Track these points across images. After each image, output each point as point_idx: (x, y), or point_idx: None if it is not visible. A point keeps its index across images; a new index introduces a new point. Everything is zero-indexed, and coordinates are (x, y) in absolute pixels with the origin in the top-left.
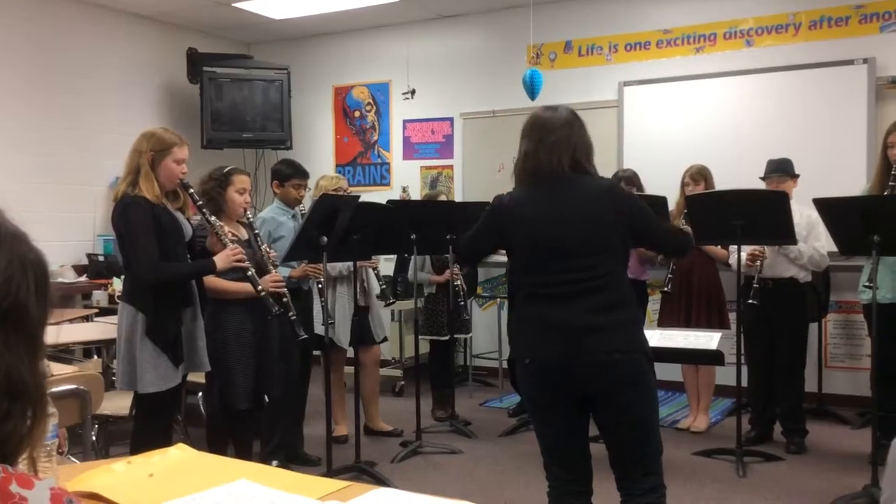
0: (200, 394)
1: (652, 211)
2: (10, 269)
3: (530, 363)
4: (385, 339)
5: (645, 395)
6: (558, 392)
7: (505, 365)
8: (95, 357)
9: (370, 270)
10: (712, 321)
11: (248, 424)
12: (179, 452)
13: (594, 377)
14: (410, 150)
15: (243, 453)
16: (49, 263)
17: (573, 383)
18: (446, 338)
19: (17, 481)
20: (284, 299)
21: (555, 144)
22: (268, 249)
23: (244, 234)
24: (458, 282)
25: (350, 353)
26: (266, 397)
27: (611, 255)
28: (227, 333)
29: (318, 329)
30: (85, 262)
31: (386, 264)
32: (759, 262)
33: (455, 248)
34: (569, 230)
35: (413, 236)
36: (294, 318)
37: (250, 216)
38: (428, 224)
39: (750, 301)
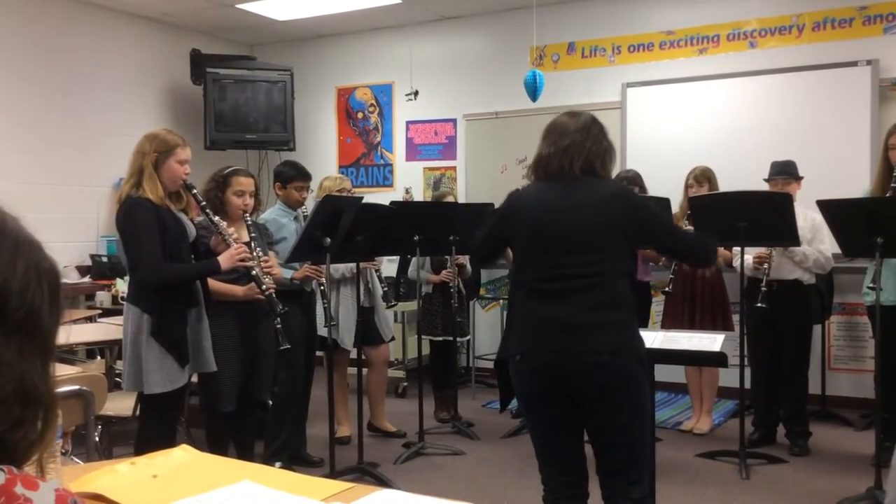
0: None
1: (666, 217)
2: (27, 277)
3: (521, 360)
4: (393, 339)
5: (634, 399)
6: (548, 390)
7: None
8: (99, 358)
9: (373, 271)
10: (716, 323)
11: (244, 425)
12: (183, 453)
13: (582, 377)
14: (413, 152)
15: (244, 454)
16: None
17: (562, 382)
18: (441, 338)
19: (22, 483)
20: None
21: (568, 148)
22: (259, 254)
23: (246, 235)
24: (455, 283)
25: (353, 353)
26: (269, 400)
27: (610, 256)
28: (212, 334)
29: (322, 331)
30: (88, 262)
31: (388, 265)
32: (765, 265)
33: (458, 250)
34: (568, 226)
35: (416, 237)
36: (279, 326)
37: (248, 219)
38: (431, 225)
39: (758, 304)
